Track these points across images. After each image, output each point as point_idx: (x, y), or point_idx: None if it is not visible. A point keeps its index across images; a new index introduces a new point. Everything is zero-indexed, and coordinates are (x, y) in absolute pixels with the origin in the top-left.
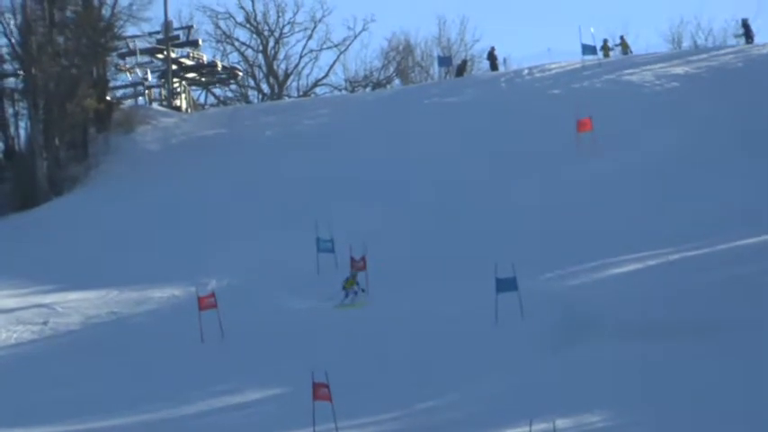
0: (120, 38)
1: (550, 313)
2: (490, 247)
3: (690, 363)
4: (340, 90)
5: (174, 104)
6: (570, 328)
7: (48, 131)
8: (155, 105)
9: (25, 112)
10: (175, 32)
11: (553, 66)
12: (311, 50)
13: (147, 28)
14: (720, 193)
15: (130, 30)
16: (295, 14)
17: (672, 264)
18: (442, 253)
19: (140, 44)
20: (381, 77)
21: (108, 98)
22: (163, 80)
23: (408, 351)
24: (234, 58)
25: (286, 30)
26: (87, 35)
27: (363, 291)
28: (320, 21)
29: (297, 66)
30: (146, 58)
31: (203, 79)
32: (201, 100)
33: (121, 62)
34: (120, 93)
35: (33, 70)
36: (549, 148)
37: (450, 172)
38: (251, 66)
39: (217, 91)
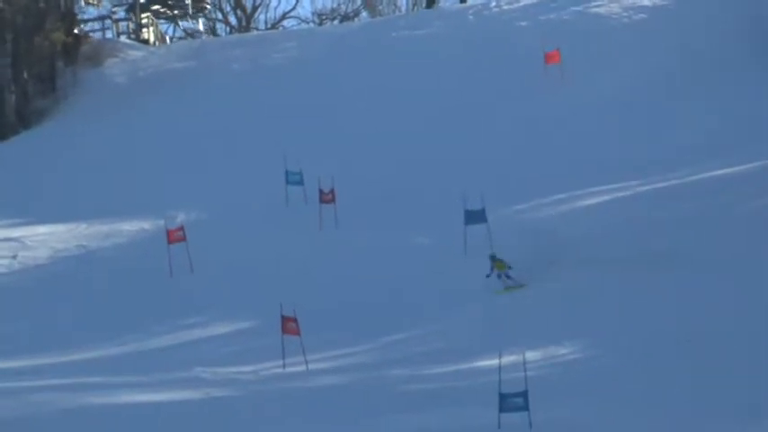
0: None
1: (520, 245)
2: (460, 179)
3: (655, 294)
4: (308, 23)
5: (141, 38)
6: (539, 260)
7: (16, 65)
8: (122, 39)
9: None
10: None
11: None
12: None
13: None
14: (692, 123)
15: None
16: None
17: (640, 195)
18: (412, 185)
19: None
20: (349, 10)
21: (76, 31)
22: (131, 13)
23: (378, 283)
24: None
25: None
26: None
27: (511, 268)
28: None
29: None
30: None
31: (171, 12)
32: (169, 33)
33: None
34: (87, 26)
35: (1, 3)
36: (518, 80)
37: (418, 105)
38: None
39: (184, 24)
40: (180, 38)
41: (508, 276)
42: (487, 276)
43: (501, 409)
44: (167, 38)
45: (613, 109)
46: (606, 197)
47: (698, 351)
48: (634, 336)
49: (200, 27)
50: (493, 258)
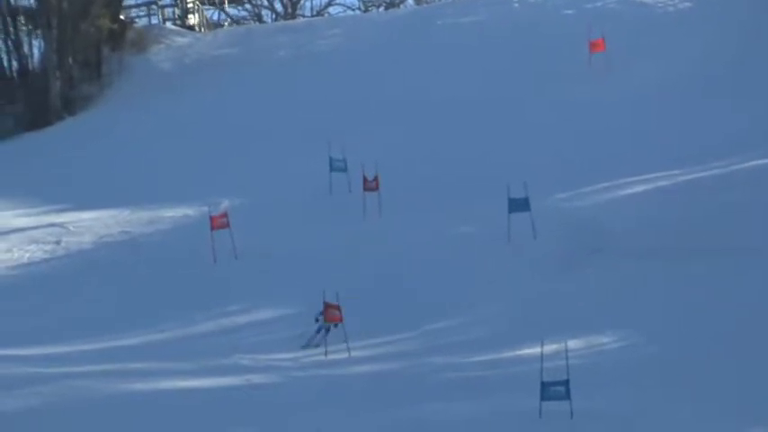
0: None
1: (562, 234)
2: (503, 168)
3: (698, 284)
4: (353, 10)
5: (187, 24)
6: (581, 249)
7: (61, 51)
8: (168, 25)
9: (39, 31)
10: None
11: None
12: None
13: None
14: (734, 114)
15: None
16: None
17: (682, 185)
18: (456, 174)
19: None
20: None
21: (121, 17)
22: None
23: (420, 272)
24: None
25: None
26: None
27: None
28: None
29: None
30: None
31: None
32: (215, 19)
33: None
34: (133, 12)
35: None
36: (563, 68)
37: (463, 93)
38: None
39: (230, 10)
40: (226, 24)
41: None
42: None
43: (542, 398)
44: (213, 24)
45: (657, 98)
46: (648, 186)
47: (743, 344)
48: (677, 326)
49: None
50: None
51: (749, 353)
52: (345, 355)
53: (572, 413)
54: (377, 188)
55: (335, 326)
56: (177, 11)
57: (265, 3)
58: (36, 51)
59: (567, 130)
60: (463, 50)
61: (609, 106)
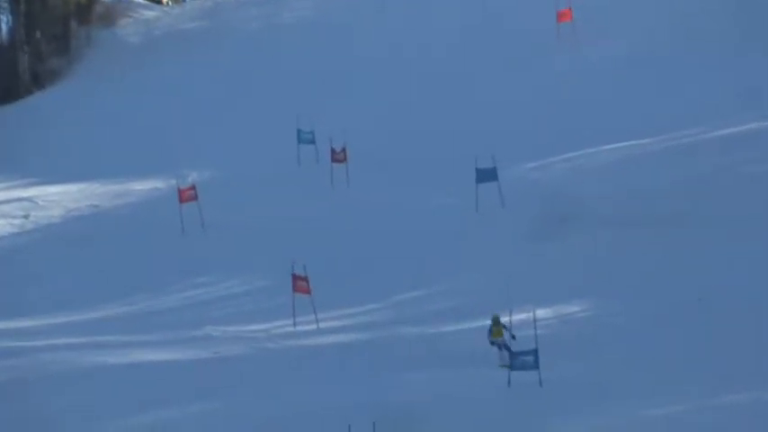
0: None
1: (530, 203)
2: (472, 139)
3: (666, 253)
4: None
5: None
6: (549, 218)
7: (29, 25)
8: None
9: (7, 5)
10: None
11: None
12: None
13: None
14: (697, 87)
15: None
16: None
17: (649, 154)
18: (424, 145)
19: None
20: None
21: None
22: None
23: (389, 243)
24: None
25: None
26: None
27: (514, 337)
28: None
29: None
30: None
31: None
32: None
33: None
34: None
35: None
36: (531, 39)
37: (431, 66)
38: None
39: None
40: None
41: (508, 349)
42: (492, 344)
43: (511, 368)
44: None
45: (625, 69)
46: (616, 155)
47: (710, 310)
48: (645, 294)
49: None
50: (495, 323)
51: (716, 321)
52: (314, 326)
53: (541, 382)
54: (345, 160)
55: (514, 337)
56: None
57: None
58: (3, 26)
59: (535, 101)
60: (431, 25)
61: (577, 76)
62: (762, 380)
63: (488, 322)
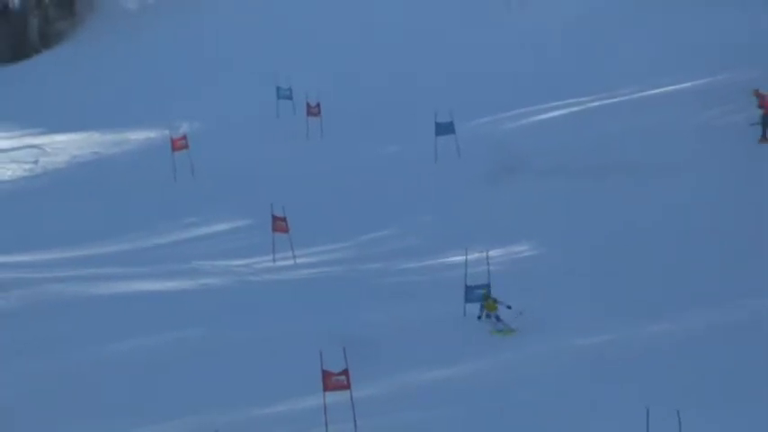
0: None
1: (484, 154)
2: (432, 96)
3: (602, 199)
4: None
5: None
6: (501, 168)
7: None
8: None
9: None
10: None
11: None
12: None
13: None
14: (640, 46)
15: None
16: None
17: (591, 111)
18: (389, 101)
19: None
20: None
21: None
22: None
23: (358, 187)
24: None
25: None
26: None
27: (509, 307)
28: None
29: None
30: None
31: None
32: None
33: None
34: None
35: None
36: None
37: (392, 31)
38: None
39: None
40: None
41: (498, 319)
42: (479, 319)
43: (466, 300)
44: None
45: (574, 30)
46: (562, 111)
47: (636, 248)
48: (582, 236)
49: None
50: (486, 297)
51: (640, 257)
52: (291, 261)
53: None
54: (318, 113)
55: (509, 308)
56: None
57: None
58: None
59: (491, 61)
60: None
61: (530, 37)
62: (678, 307)
63: (446, 259)
